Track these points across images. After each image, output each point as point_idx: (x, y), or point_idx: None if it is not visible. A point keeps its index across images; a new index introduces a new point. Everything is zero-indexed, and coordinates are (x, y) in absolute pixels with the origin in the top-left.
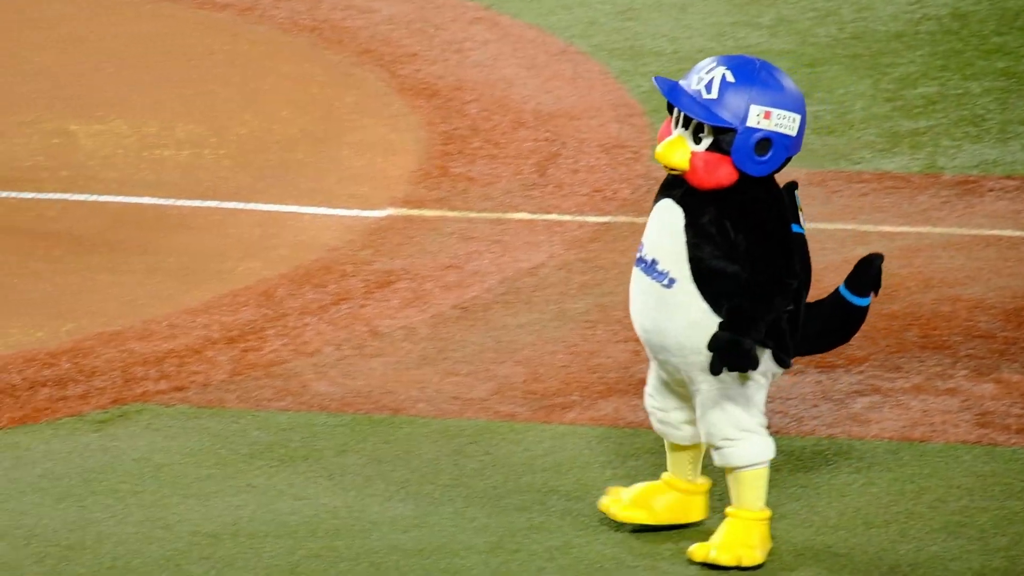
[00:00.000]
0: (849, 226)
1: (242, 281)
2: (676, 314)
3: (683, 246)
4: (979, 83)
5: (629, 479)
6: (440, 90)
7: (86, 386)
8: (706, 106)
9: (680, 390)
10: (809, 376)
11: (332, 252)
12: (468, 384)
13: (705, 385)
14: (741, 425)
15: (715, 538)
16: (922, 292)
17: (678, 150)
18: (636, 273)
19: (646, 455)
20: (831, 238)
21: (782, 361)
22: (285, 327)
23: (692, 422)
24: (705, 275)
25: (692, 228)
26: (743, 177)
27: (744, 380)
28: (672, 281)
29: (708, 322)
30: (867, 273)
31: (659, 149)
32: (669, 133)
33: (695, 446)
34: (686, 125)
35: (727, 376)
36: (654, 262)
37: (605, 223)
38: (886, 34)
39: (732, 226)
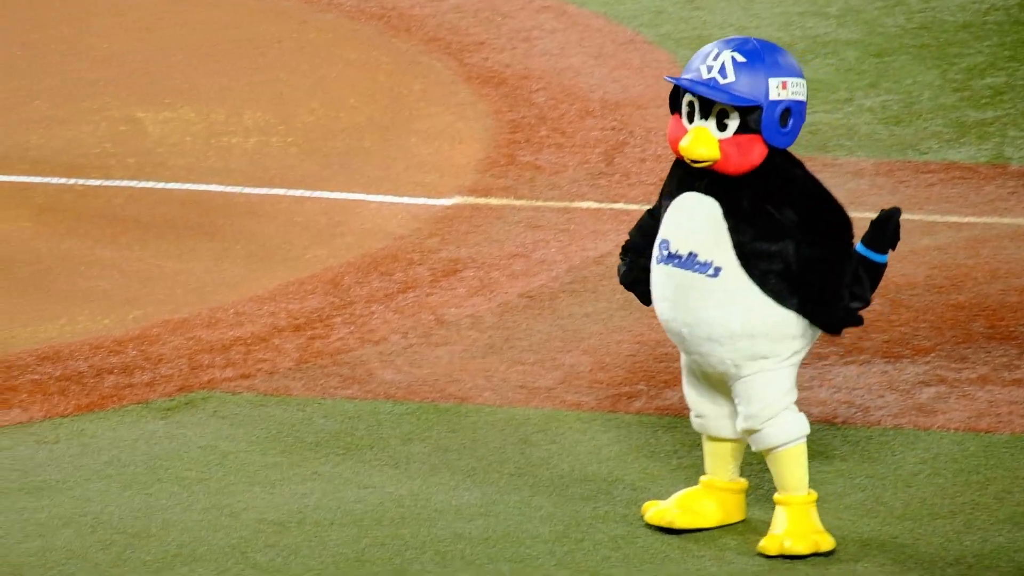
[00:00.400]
0: (916, 216)
1: (309, 269)
2: (725, 301)
3: (725, 233)
4: None
5: (695, 469)
6: (507, 79)
7: (152, 373)
8: (727, 90)
9: (717, 383)
10: (875, 366)
11: (399, 240)
12: (534, 373)
13: (747, 371)
14: (779, 405)
15: (779, 528)
16: (988, 283)
17: (704, 141)
18: (665, 270)
19: None
20: None
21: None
22: (352, 315)
23: (732, 414)
24: (750, 258)
25: (732, 215)
26: (771, 154)
27: (785, 361)
28: (718, 270)
29: (757, 304)
30: (885, 230)
31: (684, 144)
32: (681, 130)
33: (737, 441)
34: (703, 116)
35: (768, 360)
36: (692, 255)
37: None
38: (954, 24)
39: (775, 205)
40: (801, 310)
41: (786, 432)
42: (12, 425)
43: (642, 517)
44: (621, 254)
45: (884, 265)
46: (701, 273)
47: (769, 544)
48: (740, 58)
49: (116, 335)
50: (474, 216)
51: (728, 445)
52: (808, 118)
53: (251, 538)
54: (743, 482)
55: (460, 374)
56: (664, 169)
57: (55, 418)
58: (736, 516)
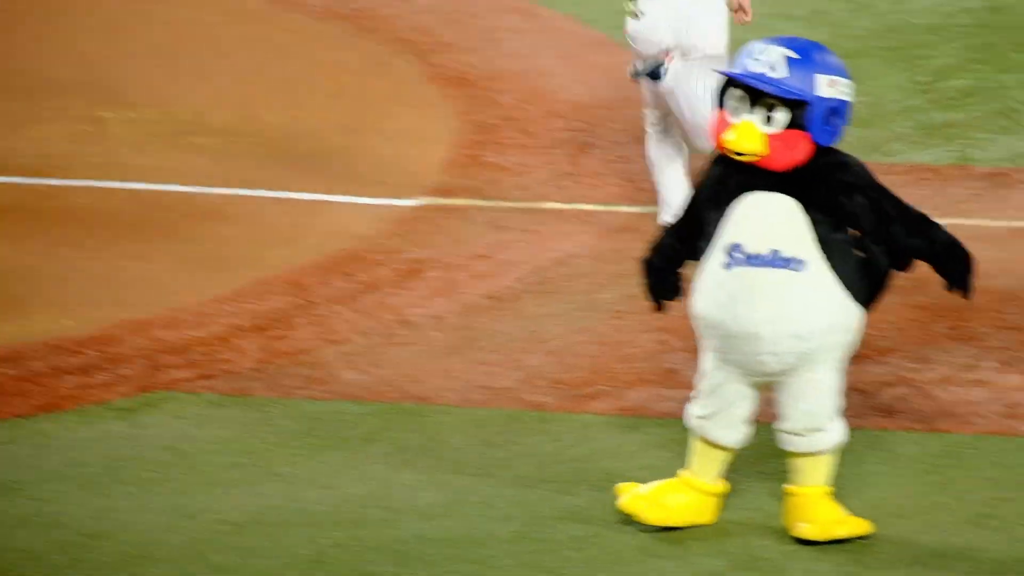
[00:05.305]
0: None
1: (272, 269)
2: (811, 296)
3: (805, 227)
4: (1013, 76)
5: (656, 469)
6: (474, 79)
7: (112, 374)
8: (779, 84)
9: (757, 386)
10: None
11: (362, 241)
12: (497, 373)
13: (817, 369)
14: (836, 409)
15: (821, 517)
16: None
17: (752, 135)
18: (741, 273)
19: (673, 445)
20: None
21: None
22: (314, 316)
23: (750, 422)
24: (830, 250)
25: (810, 208)
26: (817, 151)
27: (842, 359)
28: (803, 264)
29: (839, 296)
30: None
31: (731, 137)
32: (725, 125)
33: (733, 450)
34: (750, 111)
35: (832, 356)
36: (775, 252)
37: (637, 213)
38: (921, 27)
39: (847, 195)
40: (933, 261)
41: (838, 437)
42: None
43: (615, 497)
44: (646, 273)
45: None
46: (785, 269)
47: (809, 530)
48: (792, 54)
49: (76, 336)
50: (438, 217)
51: (723, 452)
52: None
53: (209, 539)
54: (724, 486)
55: (422, 374)
56: (630, 170)
57: (13, 419)
58: (708, 518)
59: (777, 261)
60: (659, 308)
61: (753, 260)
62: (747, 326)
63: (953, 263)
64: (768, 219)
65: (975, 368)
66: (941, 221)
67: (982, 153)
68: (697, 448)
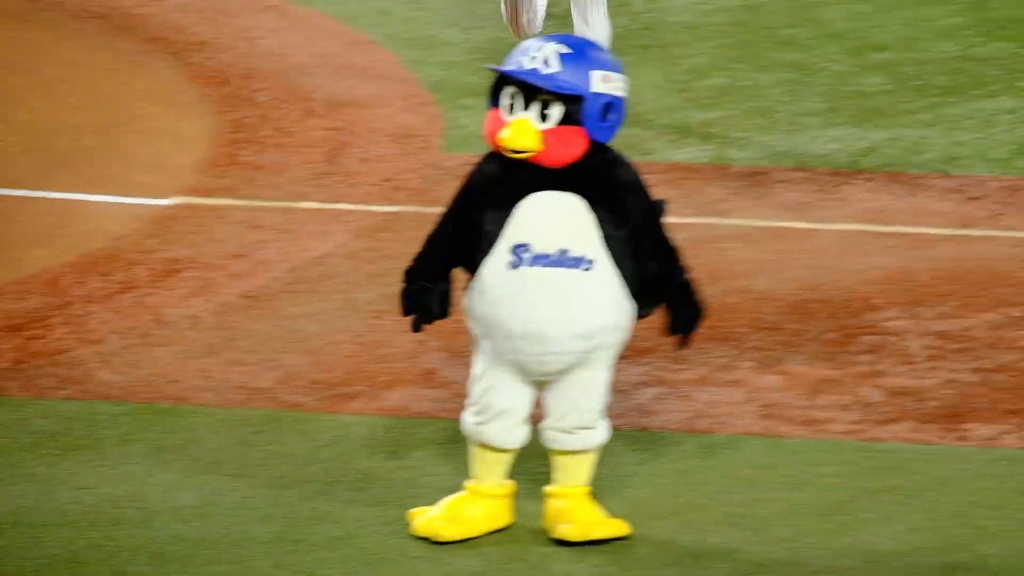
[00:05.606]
0: None
1: (28, 269)
2: (598, 294)
3: (592, 226)
4: (769, 75)
5: (415, 469)
6: (230, 78)
7: None
8: (551, 78)
9: (533, 388)
10: None
11: (118, 240)
12: (254, 373)
13: (587, 370)
14: (603, 408)
15: (581, 518)
16: (709, 284)
17: (526, 132)
18: (527, 273)
19: (430, 446)
20: None
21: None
22: (70, 315)
23: (528, 421)
24: (614, 248)
25: (595, 207)
26: (591, 147)
27: (616, 360)
28: (591, 263)
29: (621, 294)
30: None
31: (505, 135)
32: (499, 123)
33: (513, 451)
34: (524, 108)
35: (608, 357)
36: (563, 251)
37: (394, 212)
38: (677, 25)
39: (624, 194)
40: (664, 296)
41: (604, 436)
42: None
43: (407, 525)
44: (410, 282)
45: None
46: (574, 269)
47: (571, 531)
48: (564, 49)
49: None
50: (195, 216)
51: (505, 454)
52: None
53: None
54: (512, 485)
55: (179, 374)
56: (387, 169)
57: None
58: (506, 521)
59: (566, 261)
60: (416, 328)
61: (540, 260)
62: (531, 326)
63: (682, 309)
64: (554, 218)
65: (732, 368)
66: (698, 221)
67: (739, 152)
68: (477, 455)
